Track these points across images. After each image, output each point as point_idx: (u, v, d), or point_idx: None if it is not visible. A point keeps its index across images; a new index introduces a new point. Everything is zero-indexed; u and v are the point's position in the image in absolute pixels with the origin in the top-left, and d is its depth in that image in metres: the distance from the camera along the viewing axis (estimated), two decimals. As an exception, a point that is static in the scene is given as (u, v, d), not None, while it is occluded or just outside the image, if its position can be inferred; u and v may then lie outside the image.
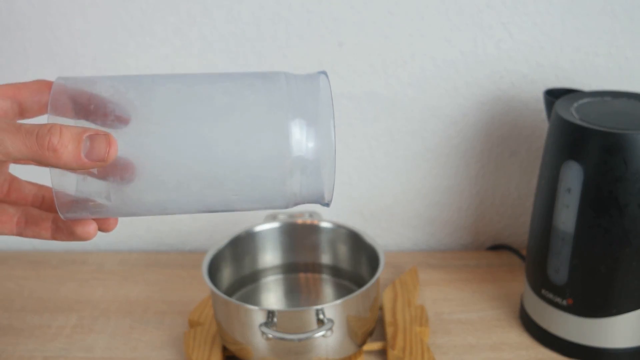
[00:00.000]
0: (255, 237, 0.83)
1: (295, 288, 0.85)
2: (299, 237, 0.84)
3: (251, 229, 0.82)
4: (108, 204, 0.42)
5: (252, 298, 0.82)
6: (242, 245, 0.82)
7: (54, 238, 0.48)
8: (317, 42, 0.87)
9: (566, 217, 0.70)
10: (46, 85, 0.47)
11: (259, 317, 0.68)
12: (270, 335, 0.68)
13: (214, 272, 0.76)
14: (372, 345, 0.76)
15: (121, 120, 0.42)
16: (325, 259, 0.84)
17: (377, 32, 0.86)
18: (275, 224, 0.83)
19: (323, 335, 0.68)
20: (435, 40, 0.86)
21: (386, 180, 0.94)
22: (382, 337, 0.78)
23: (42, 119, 0.44)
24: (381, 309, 0.81)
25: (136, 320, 0.83)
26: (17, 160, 0.42)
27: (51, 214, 0.48)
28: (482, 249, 0.97)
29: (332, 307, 0.69)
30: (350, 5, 0.85)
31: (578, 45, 0.86)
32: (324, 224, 0.83)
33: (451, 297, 0.85)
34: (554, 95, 0.76)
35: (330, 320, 0.68)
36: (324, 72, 0.44)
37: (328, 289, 0.85)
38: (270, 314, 0.68)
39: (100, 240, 0.98)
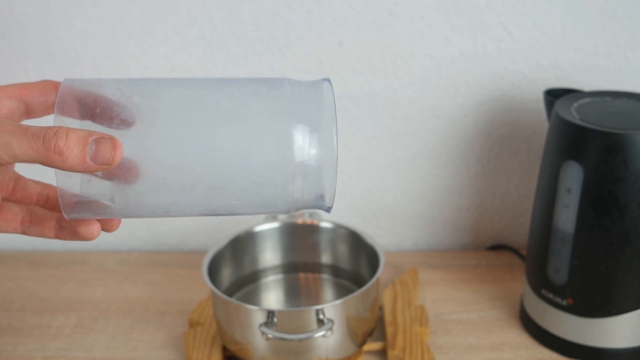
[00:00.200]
0: (255, 237, 0.83)
1: (295, 288, 0.85)
2: (299, 237, 0.84)
3: (251, 229, 0.82)
4: (112, 206, 0.43)
5: (252, 298, 0.82)
6: (242, 245, 0.82)
7: (57, 237, 0.48)
8: (317, 42, 0.87)
9: (566, 217, 0.70)
10: (53, 85, 0.47)
11: (259, 317, 0.68)
12: (270, 335, 0.68)
13: (214, 272, 0.76)
14: (372, 345, 0.76)
15: (126, 124, 0.42)
16: (325, 259, 0.84)
17: (377, 32, 0.86)
18: (275, 224, 0.83)
19: (323, 335, 0.68)
20: (435, 40, 0.86)
21: (386, 180, 0.94)
22: (382, 337, 0.78)
23: (48, 119, 0.44)
24: (381, 309, 0.81)
25: (136, 320, 0.83)
26: (23, 162, 0.42)
27: (55, 214, 0.48)
28: (482, 249, 0.97)
29: (332, 307, 0.69)
30: (350, 5, 0.85)
31: (578, 45, 0.86)
32: (324, 224, 0.83)
33: (451, 297, 0.85)
34: (554, 95, 0.76)
35: (330, 320, 0.68)
36: (328, 79, 0.45)
37: (328, 289, 0.85)
38: (270, 314, 0.68)
39: (100, 240, 0.98)
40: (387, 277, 0.88)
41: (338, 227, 0.83)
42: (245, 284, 0.83)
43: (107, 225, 0.48)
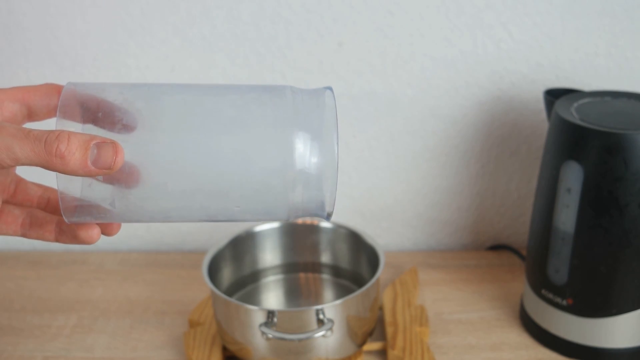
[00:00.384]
0: (255, 237, 0.83)
1: (295, 288, 0.85)
2: (299, 237, 0.84)
3: (251, 229, 0.82)
4: (112, 210, 0.43)
5: (252, 298, 0.82)
6: (242, 245, 0.82)
7: (57, 240, 0.48)
8: (317, 42, 0.87)
9: (566, 217, 0.70)
10: (55, 89, 0.47)
11: (259, 317, 0.68)
12: (270, 335, 0.68)
13: (214, 272, 0.76)
14: (372, 345, 0.76)
15: (128, 129, 0.42)
16: (325, 258, 0.84)
17: (377, 32, 0.86)
18: (275, 224, 0.83)
19: (323, 335, 0.68)
20: (435, 40, 0.86)
21: (386, 180, 0.94)
22: (382, 337, 0.78)
23: (50, 122, 0.44)
24: (381, 309, 0.81)
25: (136, 320, 0.83)
26: (24, 165, 0.42)
27: (55, 217, 0.48)
28: (482, 249, 0.97)
29: (332, 307, 0.69)
30: (350, 5, 0.85)
31: (578, 45, 0.86)
32: (324, 224, 0.83)
33: (451, 297, 0.85)
34: (554, 95, 0.76)
35: (330, 320, 0.68)
36: (330, 88, 0.45)
37: (328, 289, 0.85)
38: (270, 314, 0.68)
39: (100, 240, 0.97)
40: (387, 277, 0.88)
41: (338, 227, 0.83)
42: (245, 284, 0.83)
43: (107, 230, 0.48)
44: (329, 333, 0.69)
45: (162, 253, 0.98)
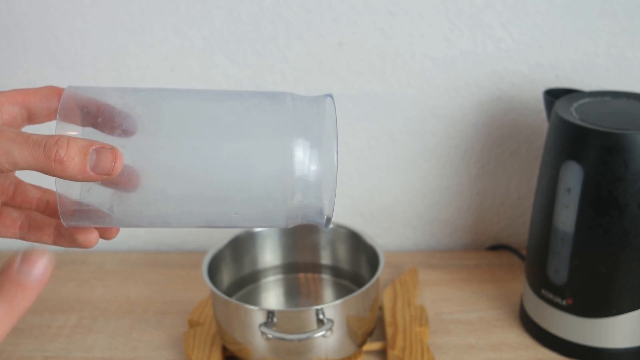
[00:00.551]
0: (255, 237, 0.83)
1: (295, 288, 0.85)
2: (299, 237, 0.84)
3: (251, 229, 0.82)
4: (111, 215, 0.43)
5: (252, 298, 0.82)
6: (242, 245, 0.82)
7: (55, 244, 0.48)
8: (317, 42, 0.87)
9: (566, 217, 0.70)
10: (56, 92, 0.47)
11: (259, 317, 0.68)
12: (270, 335, 0.68)
13: (214, 272, 0.76)
14: (372, 345, 0.76)
15: (128, 133, 0.42)
16: (325, 259, 0.84)
17: (377, 32, 0.86)
18: (275, 224, 0.83)
19: (323, 336, 0.68)
20: (435, 40, 0.86)
21: (386, 180, 0.94)
22: (382, 337, 0.78)
23: (50, 125, 0.44)
24: (381, 309, 0.81)
25: (136, 320, 0.83)
26: (23, 169, 0.42)
27: (54, 220, 0.48)
28: (482, 249, 0.97)
29: (332, 307, 0.69)
30: (350, 5, 0.85)
31: (578, 45, 0.86)
32: (324, 224, 0.83)
33: (451, 297, 0.85)
34: (554, 95, 0.76)
35: (330, 320, 0.68)
36: (330, 95, 0.45)
37: (328, 289, 0.85)
38: (270, 314, 0.68)
39: (100, 240, 0.97)
40: (387, 277, 0.88)
41: (338, 227, 0.83)
42: (245, 284, 0.83)
43: (105, 234, 0.48)
44: (328, 333, 0.69)
45: (162, 253, 0.98)
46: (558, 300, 0.73)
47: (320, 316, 0.68)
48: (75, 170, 0.40)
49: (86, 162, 0.40)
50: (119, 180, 0.42)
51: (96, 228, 0.47)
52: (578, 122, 0.68)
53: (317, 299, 0.84)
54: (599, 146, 0.66)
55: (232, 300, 0.70)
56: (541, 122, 0.89)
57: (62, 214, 0.43)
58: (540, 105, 0.87)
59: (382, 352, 0.76)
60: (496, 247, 0.96)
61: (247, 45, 0.87)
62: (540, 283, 0.74)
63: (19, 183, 0.51)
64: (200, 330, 0.77)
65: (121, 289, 0.89)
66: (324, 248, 0.84)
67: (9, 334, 0.78)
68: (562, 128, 0.69)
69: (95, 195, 0.43)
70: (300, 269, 0.85)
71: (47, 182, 0.50)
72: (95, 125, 0.43)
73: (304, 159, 0.42)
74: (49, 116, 0.48)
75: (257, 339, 0.69)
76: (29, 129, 0.45)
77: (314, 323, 0.68)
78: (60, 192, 0.42)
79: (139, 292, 0.88)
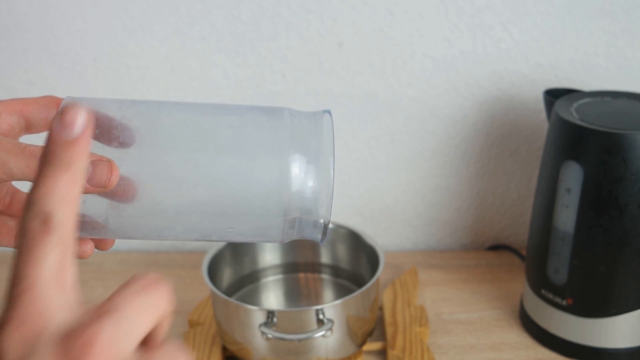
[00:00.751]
0: (255, 237, 0.82)
1: (295, 288, 0.85)
2: (298, 237, 0.84)
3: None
4: (106, 226, 0.43)
5: (252, 298, 0.82)
6: (242, 245, 0.82)
7: None
8: (317, 42, 0.87)
9: (566, 217, 0.70)
10: (54, 101, 0.47)
11: (259, 317, 0.68)
12: (270, 335, 0.68)
13: (214, 272, 0.76)
14: (372, 345, 0.76)
15: (125, 145, 0.42)
16: (325, 258, 0.84)
17: (377, 32, 0.86)
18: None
19: (323, 336, 0.68)
20: (435, 40, 0.86)
21: (386, 180, 0.94)
22: (382, 337, 0.78)
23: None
24: (381, 309, 0.81)
25: (136, 320, 0.83)
26: (19, 180, 0.42)
27: None
28: (482, 249, 0.97)
29: (332, 307, 0.69)
30: (350, 5, 0.85)
31: (578, 45, 0.86)
32: (324, 224, 0.83)
33: (451, 297, 0.85)
34: (553, 95, 0.76)
35: (330, 320, 0.68)
36: (328, 111, 0.45)
37: (328, 289, 0.85)
38: (270, 314, 0.68)
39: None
40: (387, 277, 0.88)
41: (338, 227, 0.83)
42: (245, 284, 0.83)
43: (100, 244, 0.48)
44: (328, 333, 0.69)
45: (162, 253, 0.98)
46: (558, 300, 0.73)
47: (320, 316, 0.68)
48: None
49: None
50: (115, 192, 0.42)
51: (91, 239, 0.47)
52: (578, 122, 0.68)
53: (317, 299, 0.84)
54: (599, 146, 0.66)
55: (232, 300, 0.70)
56: (541, 122, 0.89)
57: None
58: (540, 105, 0.87)
59: (382, 352, 0.76)
60: (496, 247, 0.96)
61: (247, 45, 0.87)
62: (540, 283, 0.74)
63: (15, 192, 0.51)
64: (200, 330, 0.77)
65: (121, 289, 0.89)
66: (323, 248, 0.84)
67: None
68: (562, 128, 0.69)
69: (91, 206, 0.43)
70: (300, 269, 0.85)
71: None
72: (92, 136, 0.43)
73: (300, 174, 0.43)
74: (47, 126, 0.48)
75: (257, 339, 0.69)
76: (26, 138, 0.45)
77: (314, 323, 0.68)
78: None
79: (139, 292, 0.88)
